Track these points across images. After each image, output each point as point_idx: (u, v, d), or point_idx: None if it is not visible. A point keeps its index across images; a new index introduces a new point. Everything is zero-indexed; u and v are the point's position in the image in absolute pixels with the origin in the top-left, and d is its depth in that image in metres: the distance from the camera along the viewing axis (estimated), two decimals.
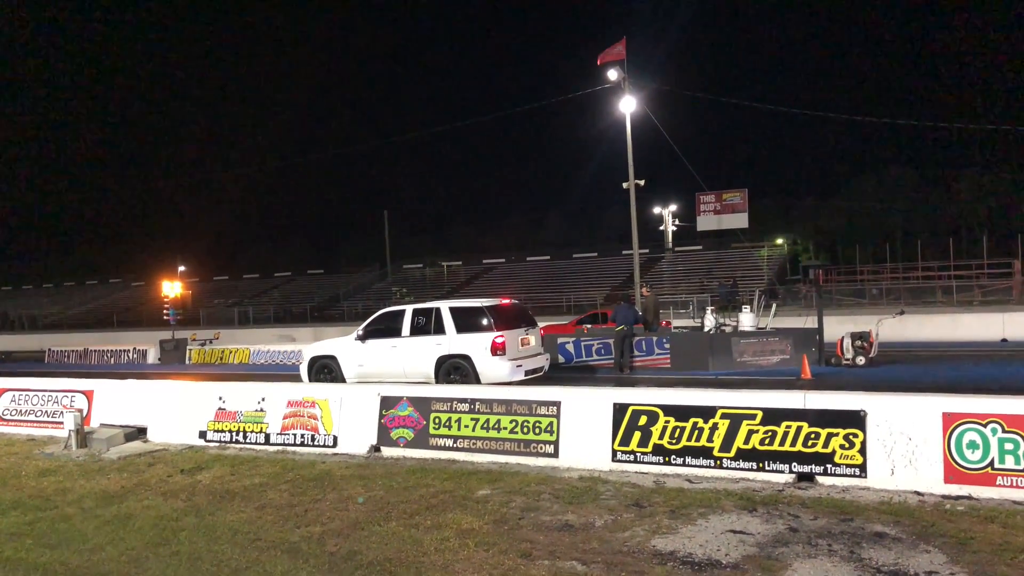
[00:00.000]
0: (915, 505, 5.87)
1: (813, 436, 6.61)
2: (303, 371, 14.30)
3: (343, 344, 13.91)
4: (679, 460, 7.08)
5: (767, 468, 6.74)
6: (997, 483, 5.95)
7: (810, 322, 15.76)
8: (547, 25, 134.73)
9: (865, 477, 6.38)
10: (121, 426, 10.25)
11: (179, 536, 5.88)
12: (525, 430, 7.83)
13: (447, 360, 12.68)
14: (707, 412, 7.05)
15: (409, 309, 13.50)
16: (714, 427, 6.98)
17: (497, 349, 12.29)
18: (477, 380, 12.19)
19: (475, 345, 12.42)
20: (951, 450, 6.13)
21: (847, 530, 5.35)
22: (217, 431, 9.64)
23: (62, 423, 10.24)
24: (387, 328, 13.41)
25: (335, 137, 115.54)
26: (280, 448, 9.11)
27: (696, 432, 7.05)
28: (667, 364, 15.50)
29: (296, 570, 5.05)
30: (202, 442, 9.68)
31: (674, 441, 7.13)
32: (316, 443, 8.95)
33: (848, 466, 6.46)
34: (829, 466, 6.53)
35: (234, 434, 9.51)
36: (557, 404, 7.76)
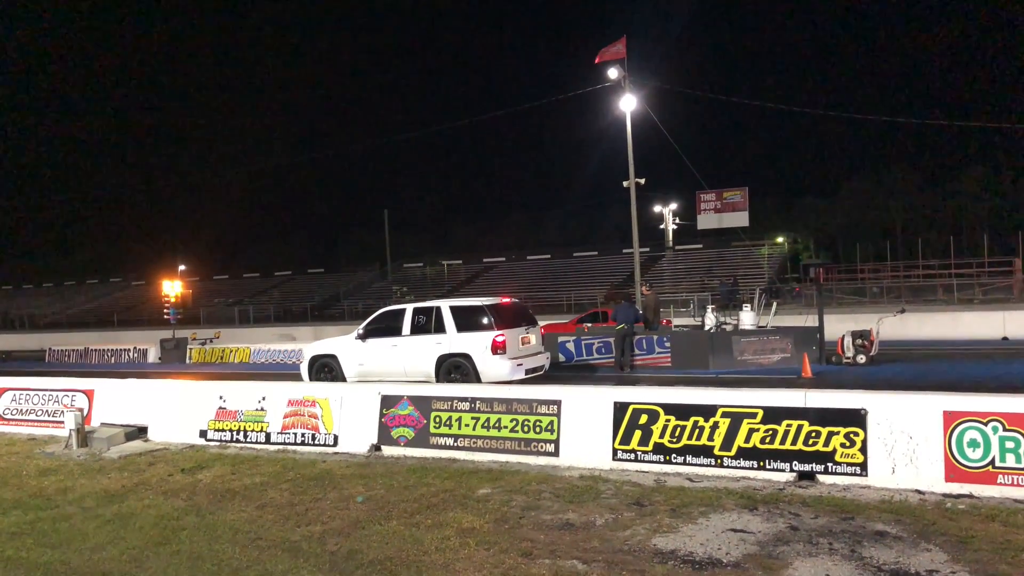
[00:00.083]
0: (916, 504, 5.86)
1: (814, 435, 6.61)
2: (304, 370, 14.30)
3: (344, 343, 13.91)
4: (680, 459, 7.08)
5: (768, 467, 6.73)
6: (998, 482, 5.95)
7: (811, 321, 15.74)
8: (547, 24, 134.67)
9: (866, 476, 6.38)
10: (122, 425, 10.25)
11: (180, 535, 5.88)
12: (526, 429, 7.83)
13: (448, 359, 12.67)
14: (708, 411, 7.05)
15: (409, 308, 13.50)
16: (715, 426, 6.98)
17: (498, 348, 12.29)
18: (478, 379, 12.19)
19: (476, 344, 12.42)
20: (952, 449, 6.13)
21: (848, 529, 5.35)
22: (218, 430, 9.64)
23: (63, 422, 10.23)
24: (387, 327, 13.41)
25: (335, 136, 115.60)
26: (281, 447, 9.11)
27: (697, 431, 7.04)
28: (668, 363, 15.49)
29: (297, 569, 5.05)
30: (203, 441, 9.68)
31: (675, 440, 7.13)
32: (317, 442, 8.95)
33: (849, 465, 6.46)
34: (830, 465, 6.53)
35: (235, 433, 9.51)
36: (558, 403, 7.76)
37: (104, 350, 27.87)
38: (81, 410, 10.19)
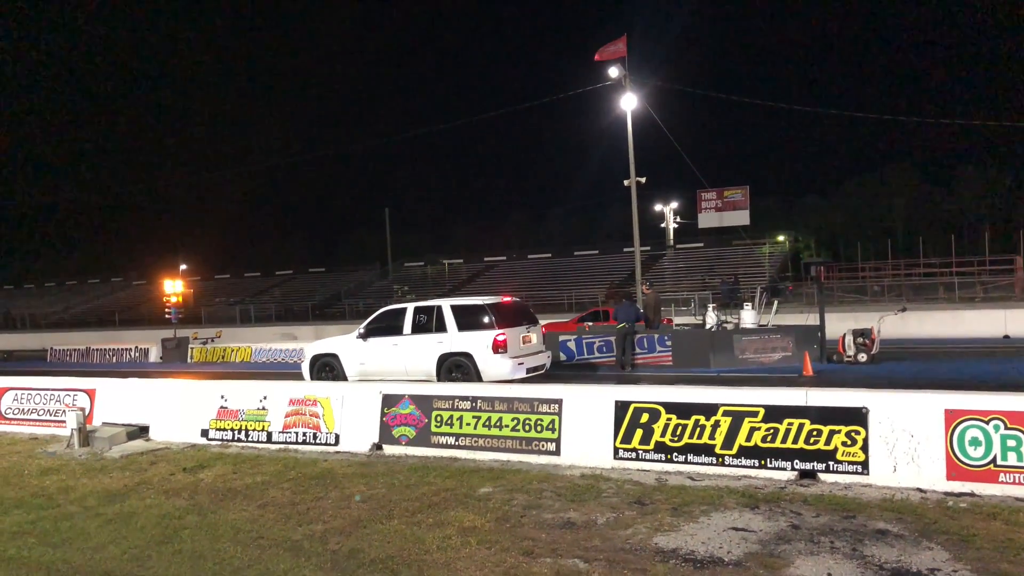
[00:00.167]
0: (917, 502, 5.86)
1: (815, 433, 6.61)
2: (305, 369, 14.31)
3: (345, 342, 13.92)
4: (681, 457, 7.08)
5: (769, 465, 6.73)
6: (999, 480, 5.95)
7: (812, 319, 15.73)
8: (547, 24, 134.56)
9: (867, 474, 6.38)
10: (123, 425, 10.27)
11: (181, 534, 5.89)
12: (527, 428, 7.83)
13: (449, 358, 12.68)
14: (709, 409, 7.05)
15: (410, 307, 13.50)
16: (716, 424, 6.97)
17: (499, 347, 12.29)
18: (479, 378, 12.19)
19: (477, 343, 12.42)
20: (953, 447, 6.12)
21: (849, 527, 5.35)
22: (219, 429, 9.65)
23: (64, 422, 10.25)
24: (389, 326, 13.41)
25: (336, 135, 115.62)
26: (282, 446, 9.12)
27: (698, 429, 7.04)
28: (669, 362, 15.49)
29: (298, 568, 5.06)
30: (204, 440, 9.69)
31: (676, 438, 7.13)
32: (318, 441, 8.96)
33: (850, 463, 6.46)
34: (831, 463, 6.53)
35: (236, 432, 9.51)
36: (559, 402, 7.76)
37: (106, 349, 27.90)
38: (83, 409, 10.19)
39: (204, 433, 9.74)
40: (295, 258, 69.71)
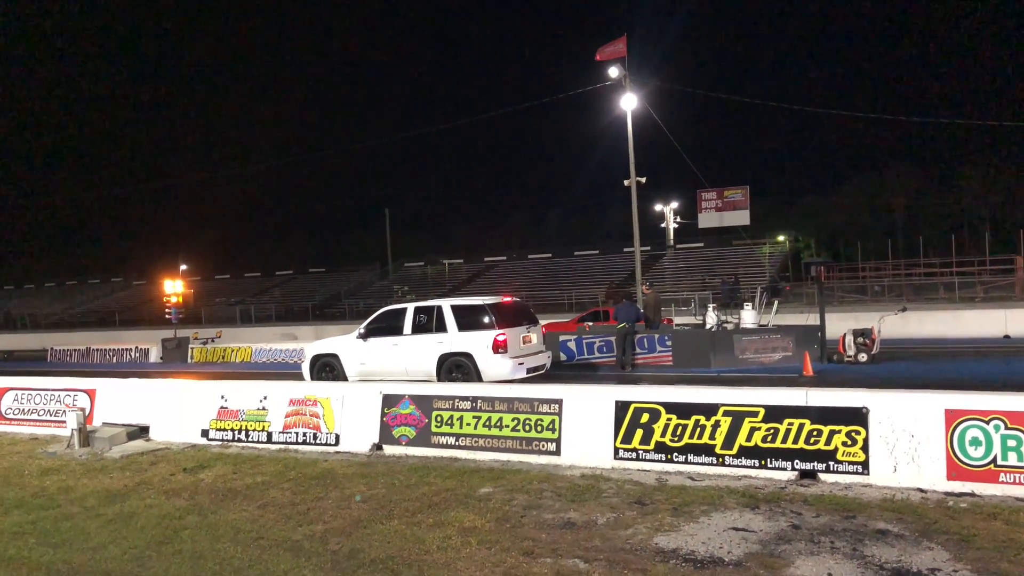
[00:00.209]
0: (918, 502, 5.86)
1: (815, 433, 6.61)
2: (305, 369, 14.31)
3: (345, 342, 13.92)
4: (681, 458, 7.08)
5: (769, 465, 6.73)
6: (1000, 480, 5.95)
7: (812, 319, 15.74)
8: (548, 23, 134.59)
9: (868, 474, 6.38)
10: (124, 425, 10.27)
11: (182, 535, 5.89)
12: (527, 428, 7.83)
13: (449, 358, 12.68)
14: (709, 409, 7.05)
15: (411, 307, 13.50)
16: (716, 424, 6.97)
17: (499, 347, 12.29)
18: (479, 378, 12.19)
19: (477, 343, 12.42)
20: (954, 447, 6.12)
21: (850, 527, 5.35)
22: (219, 430, 9.65)
23: (65, 422, 10.25)
24: (389, 326, 13.42)
25: (336, 136, 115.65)
26: (282, 446, 9.12)
27: (698, 429, 7.04)
28: (669, 362, 15.50)
29: (298, 568, 5.06)
30: (204, 441, 9.69)
31: (676, 439, 7.12)
32: (318, 441, 8.96)
33: (851, 463, 6.46)
34: (831, 463, 6.52)
35: (236, 433, 9.52)
36: (559, 402, 7.76)
37: (106, 350, 27.91)
38: (83, 410, 10.20)
39: (204, 433, 9.74)
40: (295, 258, 69.72)
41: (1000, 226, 49.86)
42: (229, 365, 23.02)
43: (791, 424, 6.70)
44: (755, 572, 4.64)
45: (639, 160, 22.90)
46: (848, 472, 6.45)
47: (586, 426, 7.57)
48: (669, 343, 15.64)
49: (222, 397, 9.77)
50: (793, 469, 6.64)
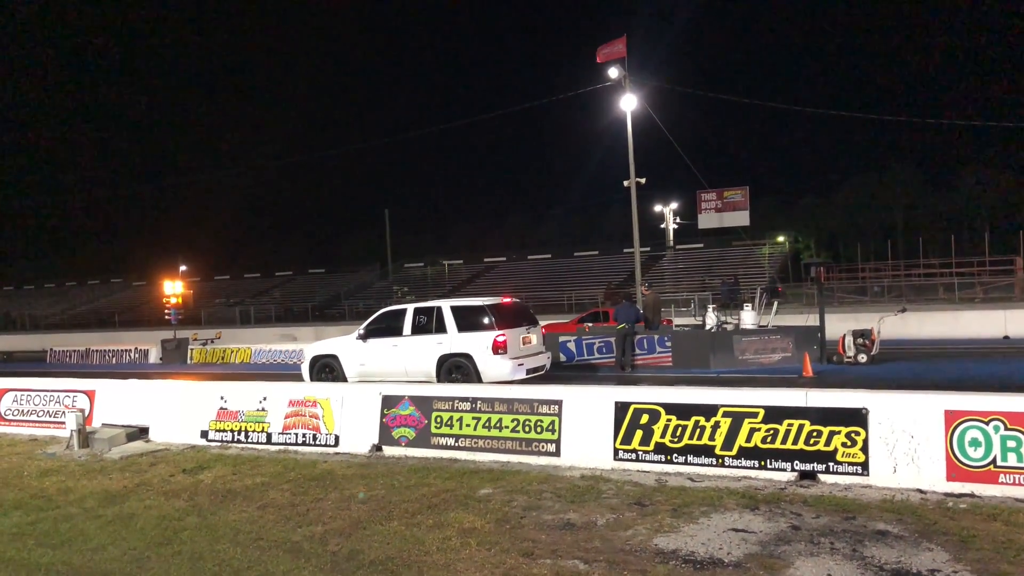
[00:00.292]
0: (917, 503, 5.86)
1: (815, 434, 6.60)
2: (305, 370, 14.30)
3: (345, 343, 13.91)
4: (681, 458, 7.07)
5: (769, 466, 6.73)
6: (999, 481, 5.95)
7: (811, 320, 15.73)
8: (548, 23, 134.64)
9: (867, 475, 6.37)
10: (123, 426, 10.26)
11: (181, 536, 5.88)
12: (527, 429, 7.83)
13: (449, 359, 12.67)
14: (709, 410, 7.04)
15: (410, 308, 13.50)
16: (716, 425, 6.97)
17: (498, 348, 12.28)
18: (479, 379, 12.19)
19: (476, 344, 12.41)
20: (953, 448, 6.12)
21: (849, 528, 5.35)
22: (219, 431, 9.65)
23: (64, 423, 10.24)
24: (388, 327, 13.41)
25: (336, 136, 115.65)
26: (282, 447, 9.11)
27: (698, 430, 7.04)
28: (669, 362, 15.49)
29: (298, 569, 5.05)
30: (204, 442, 9.68)
31: (676, 439, 7.12)
32: (318, 442, 8.95)
33: (850, 464, 6.45)
34: (831, 464, 6.52)
35: (236, 434, 9.51)
36: (559, 403, 7.76)
37: (105, 351, 27.87)
38: (82, 411, 10.19)
39: (204, 434, 9.73)
40: (295, 259, 69.73)
41: (1000, 227, 49.87)
42: (228, 366, 23.00)
43: (791, 425, 6.70)
44: (755, 573, 4.64)
45: (639, 161, 22.91)
46: (848, 473, 6.45)
47: (586, 427, 7.57)
48: (669, 344, 15.63)
49: (221, 398, 9.76)
50: (793, 470, 6.64)
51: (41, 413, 11.31)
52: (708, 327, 15.99)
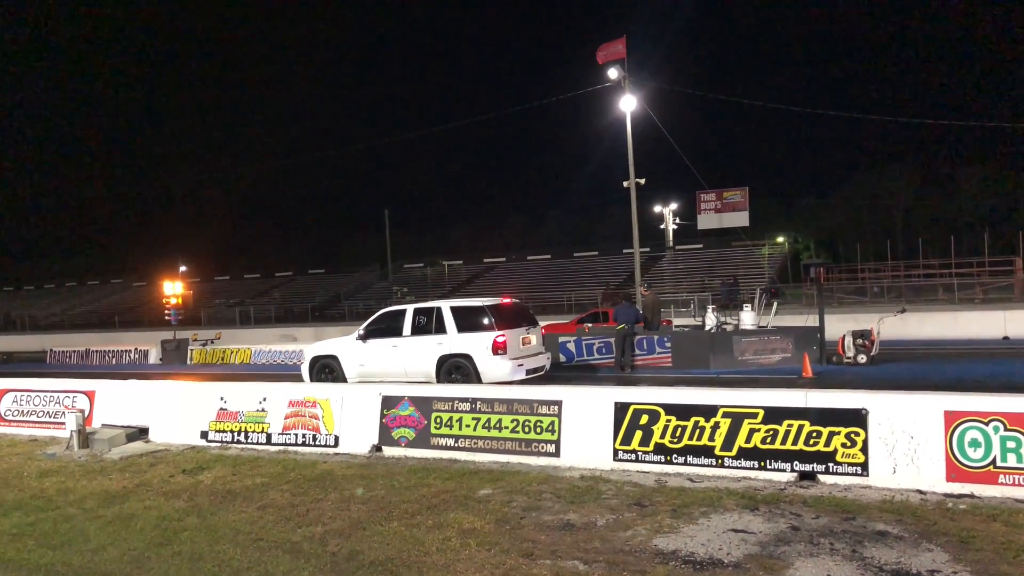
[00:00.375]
0: (917, 504, 5.86)
1: (815, 435, 6.60)
2: (304, 371, 14.30)
3: (344, 344, 13.91)
4: (681, 459, 7.08)
5: (769, 467, 6.73)
6: (999, 481, 5.95)
7: (811, 321, 15.73)
8: (547, 24, 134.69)
9: (867, 476, 6.38)
10: (123, 426, 10.26)
11: (181, 536, 5.88)
12: (526, 429, 7.83)
13: (448, 359, 12.67)
14: (708, 411, 7.05)
15: (410, 309, 13.50)
16: (716, 426, 6.97)
17: (498, 348, 12.28)
18: (478, 379, 12.18)
19: (476, 344, 12.41)
20: (953, 448, 6.12)
21: (849, 529, 5.35)
22: (219, 431, 9.65)
23: (64, 423, 10.24)
24: (388, 328, 13.41)
25: (336, 136, 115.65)
26: (282, 448, 9.11)
27: (698, 431, 7.04)
28: (668, 363, 15.49)
29: (298, 570, 5.05)
30: (204, 442, 9.68)
31: (675, 440, 7.12)
32: (317, 443, 8.95)
33: (850, 465, 6.46)
34: (831, 465, 6.52)
35: (236, 434, 9.51)
36: (558, 403, 7.76)
37: (105, 351, 27.86)
38: (82, 411, 10.19)
39: (203, 435, 9.73)
40: (295, 260, 69.71)
41: (999, 227, 49.88)
42: (228, 367, 22.99)
43: (790, 425, 6.70)
44: (755, 574, 4.64)
45: (639, 161, 22.92)
46: (847, 473, 6.45)
47: (585, 428, 7.57)
48: (668, 344, 15.63)
49: (221, 399, 9.76)
50: (792, 471, 6.64)
51: (41, 414, 11.31)
52: (708, 328, 15.99)
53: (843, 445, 6.49)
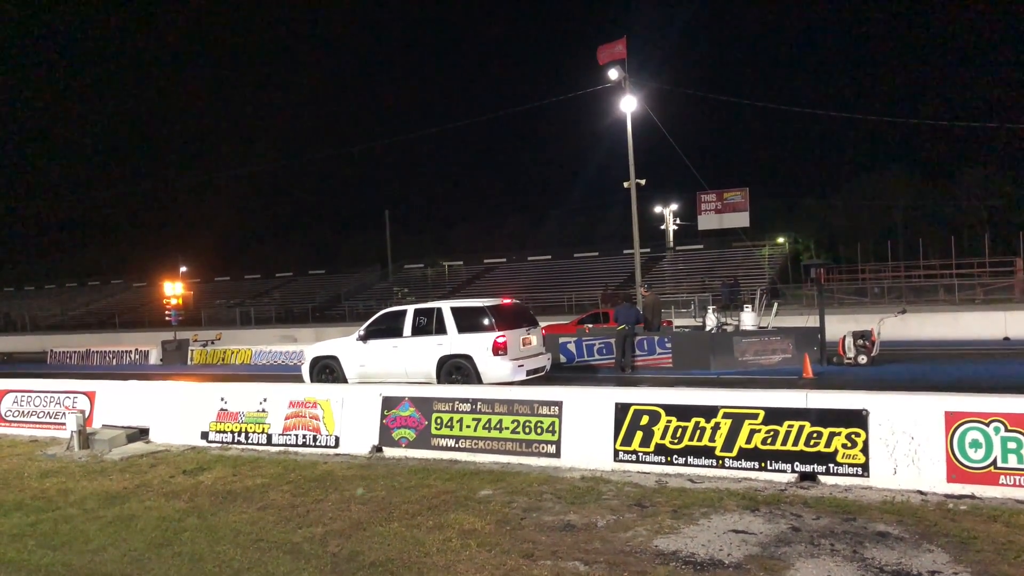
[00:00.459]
0: (918, 504, 5.86)
1: (815, 435, 6.60)
2: (305, 371, 14.31)
3: (345, 344, 13.92)
4: (681, 460, 7.08)
5: (769, 468, 6.73)
6: (1000, 482, 5.95)
7: (811, 321, 15.74)
8: (547, 24, 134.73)
9: (868, 476, 6.37)
10: (123, 427, 10.26)
11: (181, 537, 5.88)
12: (527, 430, 7.83)
13: (449, 360, 12.68)
14: (709, 412, 7.05)
15: (410, 309, 13.50)
16: (716, 427, 6.97)
17: (499, 349, 12.29)
18: (479, 380, 12.19)
19: (477, 345, 12.41)
20: (954, 449, 6.12)
21: (850, 530, 5.35)
22: (219, 432, 9.65)
23: (64, 424, 10.25)
24: (389, 328, 13.42)
25: (336, 137, 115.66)
26: (282, 449, 9.11)
27: (698, 432, 7.04)
28: (669, 364, 15.49)
29: (298, 571, 5.05)
30: (204, 443, 9.69)
31: (676, 441, 7.12)
32: (318, 443, 8.95)
33: (850, 465, 6.45)
34: (831, 465, 6.52)
35: (236, 435, 9.51)
36: (559, 404, 7.76)
37: (106, 352, 27.88)
38: (83, 412, 10.19)
39: (204, 435, 9.73)
40: (295, 260, 69.66)
41: (999, 228, 49.86)
42: (229, 367, 23.01)
43: (791, 426, 6.70)
44: (755, 574, 4.64)
45: (639, 162, 22.94)
46: (848, 474, 6.45)
47: (586, 428, 7.57)
48: (669, 345, 15.64)
49: (222, 399, 9.76)
50: (793, 471, 6.64)
51: (41, 414, 11.31)
52: (708, 328, 15.99)
53: (844, 446, 6.49)
